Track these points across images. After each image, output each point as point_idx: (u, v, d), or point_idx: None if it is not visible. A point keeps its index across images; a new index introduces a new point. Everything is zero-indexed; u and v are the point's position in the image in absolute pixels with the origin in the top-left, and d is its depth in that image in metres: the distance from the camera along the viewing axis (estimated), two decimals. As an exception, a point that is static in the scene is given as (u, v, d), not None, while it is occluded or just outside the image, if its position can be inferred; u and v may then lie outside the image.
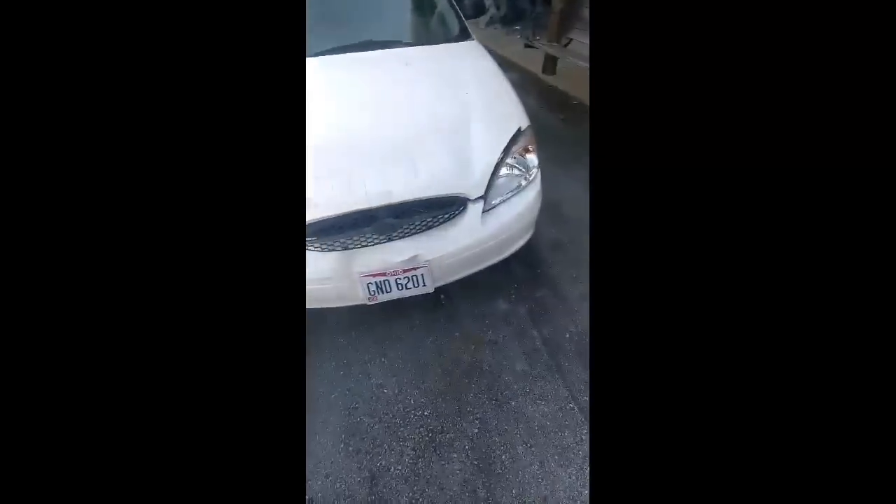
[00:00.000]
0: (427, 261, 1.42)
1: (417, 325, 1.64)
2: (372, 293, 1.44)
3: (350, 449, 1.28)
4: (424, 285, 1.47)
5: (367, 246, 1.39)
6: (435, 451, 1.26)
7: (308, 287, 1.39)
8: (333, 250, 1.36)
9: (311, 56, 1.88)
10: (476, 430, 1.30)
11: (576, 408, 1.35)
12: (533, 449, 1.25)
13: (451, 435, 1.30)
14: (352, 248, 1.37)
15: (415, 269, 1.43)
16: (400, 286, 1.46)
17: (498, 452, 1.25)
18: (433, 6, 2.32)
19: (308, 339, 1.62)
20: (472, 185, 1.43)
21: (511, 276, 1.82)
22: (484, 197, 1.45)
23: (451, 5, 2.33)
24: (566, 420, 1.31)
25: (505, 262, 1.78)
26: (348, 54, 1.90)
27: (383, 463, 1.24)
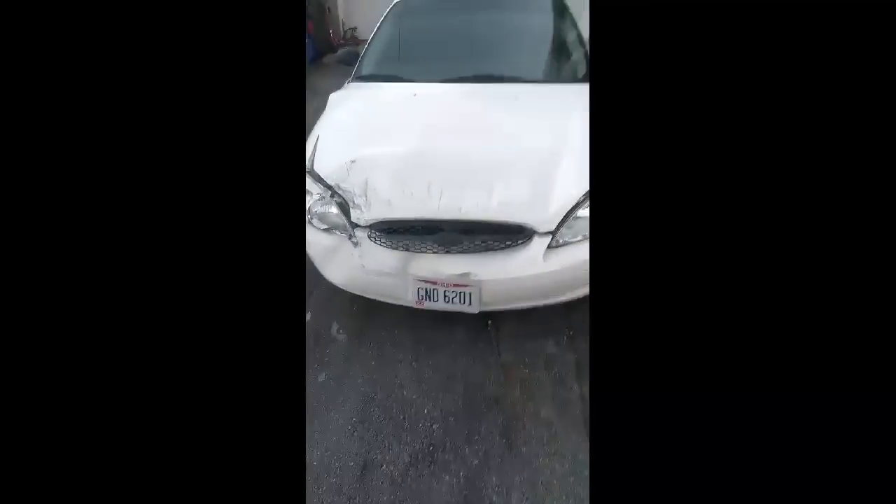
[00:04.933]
0: (478, 281, 1.44)
1: (457, 342, 1.65)
2: (420, 298, 1.51)
3: (355, 434, 1.34)
4: (470, 304, 1.49)
5: (425, 252, 1.47)
6: (429, 465, 1.25)
7: (367, 277, 1.52)
8: (396, 249, 1.48)
9: (433, 81, 2.09)
10: (476, 462, 1.25)
11: (593, 482, 1.20)
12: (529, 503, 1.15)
13: (450, 457, 1.27)
14: (412, 252, 1.47)
15: (464, 286, 1.46)
16: (447, 299, 1.50)
17: (490, 493, 1.17)
18: (559, 49, 2.37)
19: (356, 324, 1.75)
20: (543, 219, 1.42)
21: (568, 322, 1.72)
22: (553, 233, 1.43)
23: (583, 48, 2.34)
24: (577, 488, 1.17)
25: (566, 307, 1.69)
26: (467, 84, 2.06)
27: (378, 458, 1.27)
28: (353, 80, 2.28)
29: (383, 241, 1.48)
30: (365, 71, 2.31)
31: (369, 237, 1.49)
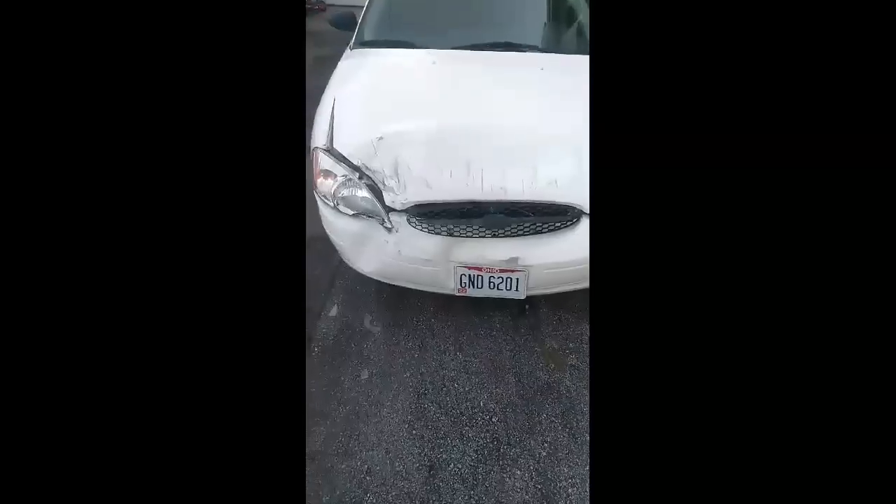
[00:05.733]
0: (526, 266, 1.37)
1: (498, 329, 1.59)
2: (463, 285, 1.42)
3: (413, 432, 1.27)
4: (517, 290, 1.42)
5: (470, 237, 1.37)
6: (498, 461, 1.20)
7: (404, 265, 1.41)
8: (438, 234, 1.37)
9: (448, 48, 1.92)
10: (545, 454, 1.21)
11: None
12: (604, 493, 1.13)
13: (518, 450, 1.22)
14: (456, 236, 1.37)
15: (512, 271, 1.39)
16: (493, 285, 1.42)
17: (565, 485, 1.15)
18: (575, 17, 2.26)
19: (389, 314, 1.65)
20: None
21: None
22: (601, 213, 1.36)
23: None
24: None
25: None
26: (485, 52, 1.91)
27: (444, 457, 1.21)
28: (356, 47, 2.07)
29: (424, 225, 1.37)
30: (369, 36, 2.10)
31: (408, 222, 1.37)
